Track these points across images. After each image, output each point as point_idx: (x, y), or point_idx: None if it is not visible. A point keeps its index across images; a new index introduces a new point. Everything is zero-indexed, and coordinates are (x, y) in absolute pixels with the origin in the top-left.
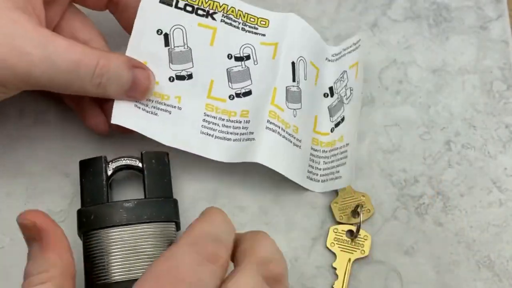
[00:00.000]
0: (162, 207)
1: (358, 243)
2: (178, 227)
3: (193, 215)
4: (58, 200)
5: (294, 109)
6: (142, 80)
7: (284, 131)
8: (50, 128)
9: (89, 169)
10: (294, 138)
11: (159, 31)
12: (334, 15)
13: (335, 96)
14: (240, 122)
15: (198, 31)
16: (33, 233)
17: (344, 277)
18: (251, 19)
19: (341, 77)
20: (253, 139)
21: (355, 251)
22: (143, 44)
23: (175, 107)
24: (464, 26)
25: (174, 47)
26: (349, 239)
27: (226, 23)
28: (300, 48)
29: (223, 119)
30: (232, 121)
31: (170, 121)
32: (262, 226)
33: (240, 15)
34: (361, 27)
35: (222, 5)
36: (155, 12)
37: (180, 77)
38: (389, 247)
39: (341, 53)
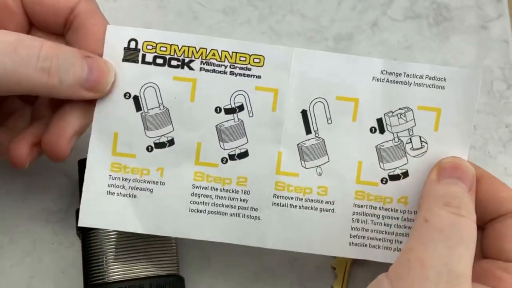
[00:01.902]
0: None
1: None
2: None
3: None
4: (57, 199)
5: (317, 166)
6: (99, 67)
7: (302, 200)
8: None
9: None
10: (322, 202)
11: (126, 95)
12: (334, 14)
13: (388, 135)
14: (237, 192)
15: (174, 87)
16: None
17: (344, 277)
18: (241, 58)
19: (399, 113)
20: (258, 217)
21: None
22: (110, 112)
23: (157, 182)
24: (464, 26)
25: (148, 110)
26: None
27: (208, 70)
28: (313, 88)
29: (216, 189)
30: (227, 191)
31: (153, 202)
32: None
33: (225, 56)
34: (361, 26)
35: (199, 50)
36: (118, 73)
37: (159, 145)
38: None
39: (404, 77)
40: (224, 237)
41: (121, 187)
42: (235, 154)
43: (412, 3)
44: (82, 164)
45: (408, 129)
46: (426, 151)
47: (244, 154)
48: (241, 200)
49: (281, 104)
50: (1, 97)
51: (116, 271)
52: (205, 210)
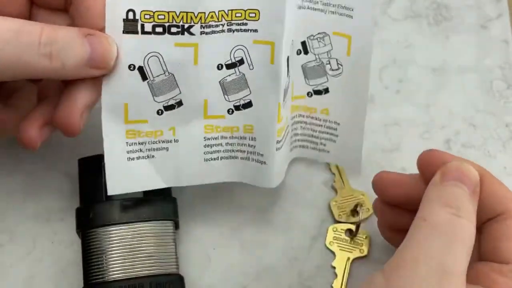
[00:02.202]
0: (161, 206)
1: (358, 242)
2: (177, 226)
3: (192, 214)
4: (57, 198)
5: (285, 101)
6: (101, 44)
7: (287, 138)
8: None
9: (88, 167)
10: (290, 133)
11: (131, 67)
12: None
13: (311, 56)
14: (245, 138)
15: (177, 53)
16: None
17: (343, 276)
18: (237, 14)
19: (318, 37)
20: (264, 162)
21: (354, 250)
22: (117, 86)
23: (171, 141)
24: (464, 25)
25: (154, 78)
26: (349, 238)
27: (207, 33)
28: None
29: (226, 137)
30: (236, 138)
31: (170, 159)
32: (262, 225)
33: (222, 15)
34: None
35: (198, 14)
36: (120, 46)
37: (169, 107)
38: (389, 247)
39: (320, 5)
40: (238, 176)
41: (139, 150)
42: (240, 105)
43: (412, 2)
44: (82, 163)
45: (327, 51)
46: (341, 72)
47: (248, 104)
48: (249, 145)
49: (278, 56)
50: None
51: (116, 270)
52: (218, 157)
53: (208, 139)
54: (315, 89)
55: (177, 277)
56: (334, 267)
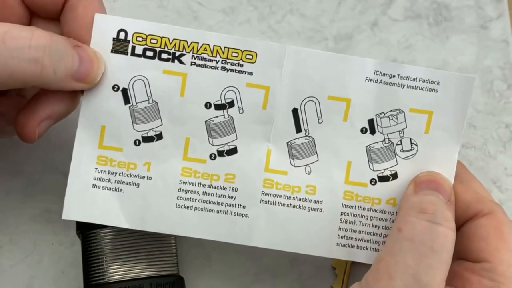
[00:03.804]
0: None
1: None
2: None
3: None
4: (56, 199)
5: (306, 164)
6: (89, 58)
7: (290, 198)
8: None
9: None
10: (310, 201)
11: (115, 87)
12: (334, 14)
13: (379, 136)
14: (225, 188)
15: (164, 80)
16: None
17: (343, 277)
18: (234, 54)
19: (391, 115)
20: (245, 215)
21: None
22: (98, 104)
23: (144, 177)
24: (465, 26)
25: (136, 103)
26: None
27: (198, 65)
28: (306, 86)
29: (204, 185)
30: (214, 187)
31: (139, 197)
32: None
33: (217, 51)
34: (361, 26)
35: (191, 43)
36: (107, 64)
37: (147, 139)
38: None
39: (397, 79)
40: (210, 234)
41: (107, 180)
42: (224, 151)
43: (412, 3)
44: None
45: (399, 131)
46: (415, 154)
47: (233, 151)
48: (228, 197)
49: (272, 102)
50: None
51: (116, 271)
52: (192, 207)
53: (185, 183)
54: (381, 175)
55: (177, 278)
56: (334, 268)
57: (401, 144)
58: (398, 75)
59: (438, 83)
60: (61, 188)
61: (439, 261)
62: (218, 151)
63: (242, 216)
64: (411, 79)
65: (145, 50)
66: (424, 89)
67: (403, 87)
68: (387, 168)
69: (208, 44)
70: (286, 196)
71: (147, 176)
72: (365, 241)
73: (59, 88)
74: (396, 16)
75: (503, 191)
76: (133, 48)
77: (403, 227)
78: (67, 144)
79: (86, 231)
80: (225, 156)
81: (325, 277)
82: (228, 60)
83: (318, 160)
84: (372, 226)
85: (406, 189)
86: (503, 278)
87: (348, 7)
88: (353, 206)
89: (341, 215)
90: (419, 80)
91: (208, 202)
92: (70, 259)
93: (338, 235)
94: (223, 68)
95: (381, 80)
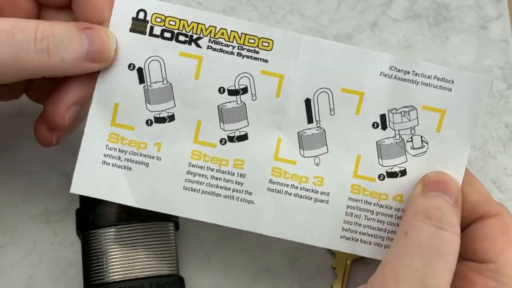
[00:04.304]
0: None
1: None
2: (177, 227)
3: None
4: (57, 199)
5: (316, 155)
6: (99, 37)
7: (297, 188)
8: None
9: None
10: (317, 193)
11: (131, 66)
12: (334, 14)
13: (390, 131)
14: (233, 174)
15: (179, 63)
16: None
17: (343, 277)
18: (250, 40)
19: (403, 111)
20: (252, 202)
21: None
22: (113, 82)
23: (153, 157)
24: (464, 26)
25: (151, 83)
26: None
27: (215, 49)
28: (320, 77)
29: (212, 169)
30: (223, 172)
31: (147, 176)
32: None
33: (234, 37)
34: (361, 26)
35: (209, 27)
36: (124, 43)
37: (159, 120)
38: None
39: (412, 76)
40: (216, 218)
41: (117, 158)
42: (234, 136)
43: (412, 3)
44: None
45: (411, 127)
46: (426, 151)
47: (243, 137)
48: (236, 182)
49: (286, 91)
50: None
51: (116, 271)
52: (199, 190)
53: (193, 166)
54: (390, 170)
55: (177, 278)
56: (334, 268)
57: (411, 141)
58: (413, 71)
59: (452, 82)
60: (61, 188)
61: (445, 264)
62: (228, 136)
63: (249, 203)
64: (425, 76)
65: (163, 31)
66: (438, 87)
67: (417, 84)
68: (396, 165)
69: (226, 29)
70: (293, 185)
71: (157, 157)
72: (369, 236)
73: (75, 72)
74: (396, 16)
75: (503, 191)
76: (152, 28)
77: (409, 231)
78: (67, 144)
79: (86, 231)
80: (235, 142)
81: (325, 277)
82: (244, 46)
83: (327, 152)
84: (377, 221)
85: (414, 188)
86: (508, 279)
87: (348, 7)
88: (359, 200)
89: (347, 208)
90: (434, 78)
91: (215, 186)
92: (70, 259)
93: (343, 228)
94: (239, 54)
95: (395, 75)
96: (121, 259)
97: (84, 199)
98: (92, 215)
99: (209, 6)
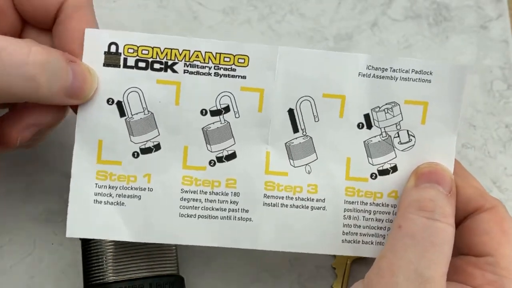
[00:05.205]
0: None
1: None
2: None
3: None
4: (57, 199)
5: (306, 164)
6: (83, 74)
7: (292, 199)
8: None
9: None
10: (312, 200)
11: (109, 101)
12: (334, 15)
13: (376, 130)
14: (227, 194)
15: (158, 91)
16: None
17: (343, 277)
18: (226, 59)
19: (386, 108)
20: (249, 219)
21: None
22: (93, 119)
23: (144, 189)
24: (464, 26)
25: (132, 115)
26: None
27: (191, 73)
28: (300, 86)
29: (205, 192)
30: (216, 194)
31: (141, 209)
32: None
33: (209, 57)
34: (361, 26)
35: (183, 51)
36: (100, 78)
37: (145, 150)
38: None
39: (390, 72)
40: (216, 241)
41: (108, 195)
42: (223, 156)
43: (412, 3)
44: None
45: (396, 123)
46: (413, 145)
47: (232, 156)
48: (231, 202)
49: (267, 104)
50: None
51: (116, 271)
52: (195, 215)
53: (186, 191)
54: (380, 168)
55: (177, 278)
56: (334, 268)
57: (398, 136)
58: (391, 68)
59: (431, 73)
60: (61, 188)
61: (440, 255)
62: (217, 157)
63: (246, 220)
64: (404, 71)
65: (137, 61)
66: (417, 80)
67: (396, 79)
68: (387, 162)
69: (200, 51)
70: (288, 197)
71: (148, 188)
72: (370, 236)
73: (49, 102)
74: (396, 16)
75: (503, 191)
76: (125, 60)
77: (403, 224)
78: (68, 144)
79: None
80: (224, 161)
81: (325, 277)
82: (220, 66)
83: (317, 158)
84: (376, 220)
85: (407, 181)
86: (506, 271)
87: (348, 7)
88: (355, 202)
89: (344, 211)
90: (412, 71)
91: (211, 209)
92: (70, 259)
93: (343, 232)
94: (216, 74)
95: (374, 74)
96: (121, 259)
97: None
98: None
99: (209, 6)
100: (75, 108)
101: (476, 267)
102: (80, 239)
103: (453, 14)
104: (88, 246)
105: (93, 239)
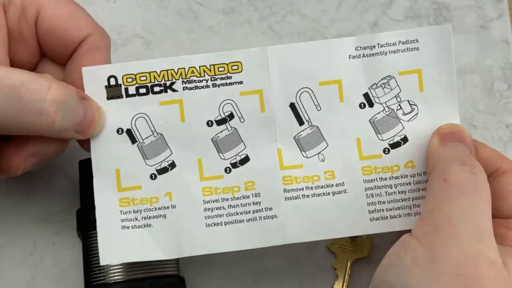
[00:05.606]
0: None
1: (358, 243)
2: None
3: None
4: (57, 200)
5: (318, 152)
6: (92, 113)
7: (312, 188)
8: None
9: (89, 169)
10: (332, 186)
11: (119, 131)
12: (334, 15)
13: (378, 106)
14: (248, 196)
15: (162, 111)
16: None
17: (344, 278)
18: (220, 69)
19: (382, 83)
20: (275, 216)
21: (355, 251)
22: (107, 151)
23: (168, 207)
24: (465, 26)
25: (143, 140)
26: (349, 239)
27: (190, 88)
28: (295, 79)
29: (227, 199)
30: (238, 198)
31: (169, 227)
32: None
33: (204, 70)
34: (361, 26)
35: (178, 70)
36: (106, 111)
37: (162, 170)
38: (389, 248)
39: (378, 48)
40: (246, 243)
41: (134, 219)
42: (236, 162)
43: (412, 3)
44: (82, 165)
45: (395, 96)
46: (418, 113)
47: (245, 160)
48: (254, 203)
49: (269, 103)
50: None
51: (117, 271)
52: (221, 222)
53: (208, 202)
54: (391, 142)
55: (177, 279)
56: (335, 268)
57: (401, 108)
58: (378, 44)
59: (417, 41)
60: (62, 188)
61: (488, 207)
62: (231, 164)
63: (272, 218)
64: (390, 44)
65: (137, 88)
66: (406, 50)
67: (386, 54)
68: (396, 134)
69: (194, 67)
70: (307, 187)
71: (171, 205)
72: (396, 209)
73: (57, 136)
74: (396, 16)
75: None
76: (126, 89)
77: (448, 177)
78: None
79: (87, 231)
80: (239, 166)
81: (326, 278)
82: (216, 76)
83: (328, 145)
84: (399, 193)
85: (430, 141)
86: None
87: (348, 7)
88: (374, 179)
89: (365, 190)
90: (399, 43)
91: (235, 213)
92: (71, 259)
93: (369, 211)
94: (214, 85)
95: (363, 54)
96: None
97: (84, 200)
98: (93, 216)
99: (209, 7)
100: (81, 142)
101: (509, 228)
102: (80, 237)
103: (453, 14)
104: (89, 246)
105: (94, 239)
